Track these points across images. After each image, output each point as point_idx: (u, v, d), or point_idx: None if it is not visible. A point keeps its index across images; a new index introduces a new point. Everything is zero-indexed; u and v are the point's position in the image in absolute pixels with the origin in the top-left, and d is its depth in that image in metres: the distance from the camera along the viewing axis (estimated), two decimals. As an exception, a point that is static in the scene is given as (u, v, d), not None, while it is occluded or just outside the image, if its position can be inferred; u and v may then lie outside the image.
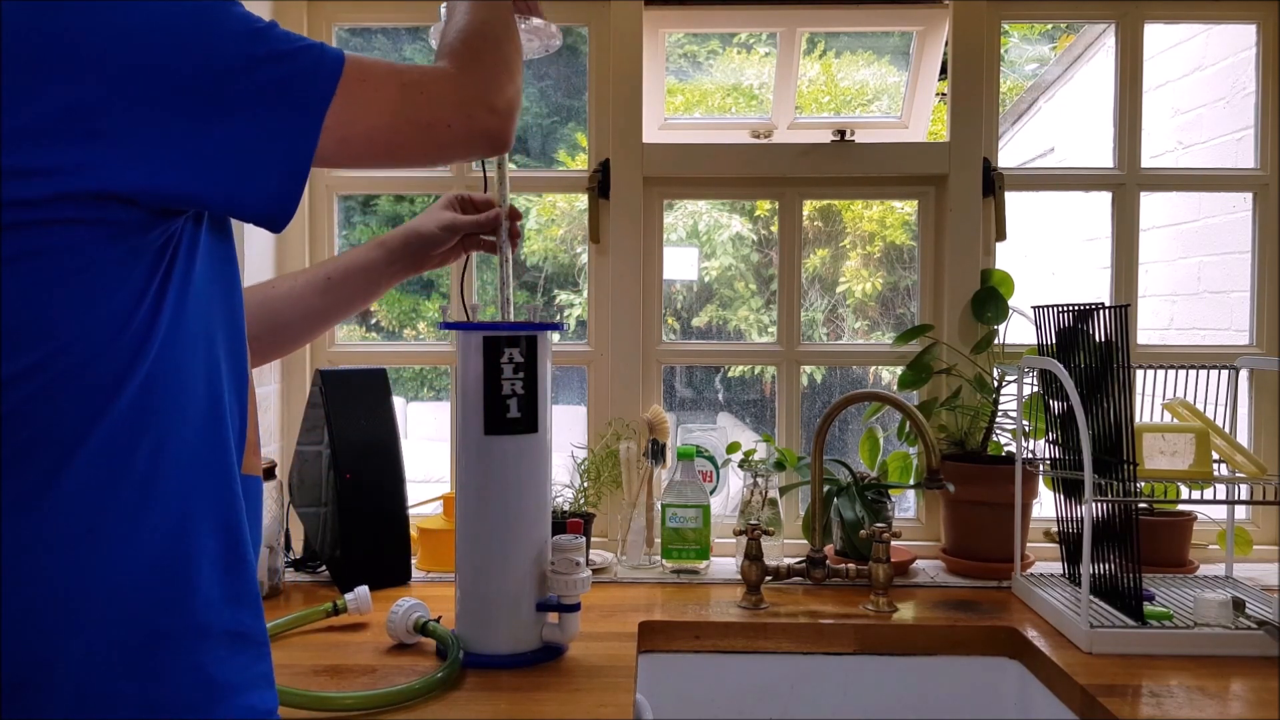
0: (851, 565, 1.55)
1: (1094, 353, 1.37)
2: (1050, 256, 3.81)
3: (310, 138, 0.72)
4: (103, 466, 0.67)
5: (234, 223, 0.78)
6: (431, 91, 0.80)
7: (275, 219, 0.73)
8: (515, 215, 1.27)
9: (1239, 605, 1.33)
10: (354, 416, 1.56)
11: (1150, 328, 2.56)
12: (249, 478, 0.80)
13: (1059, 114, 4.05)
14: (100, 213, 0.65)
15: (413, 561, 1.62)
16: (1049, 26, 4.63)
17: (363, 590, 1.39)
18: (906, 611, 1.47)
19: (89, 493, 0.66)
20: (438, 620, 1.28)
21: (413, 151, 0.80)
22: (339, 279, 1.17)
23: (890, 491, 1.69)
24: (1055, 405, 1.49)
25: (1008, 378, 1.71)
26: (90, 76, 0.63)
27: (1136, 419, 1.37)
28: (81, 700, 0.66)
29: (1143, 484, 1.39)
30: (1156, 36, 2.62)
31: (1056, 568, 1.56)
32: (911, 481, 1.79)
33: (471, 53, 0.87)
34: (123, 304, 0.67)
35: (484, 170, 1.32)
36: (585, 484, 1.76)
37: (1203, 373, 1.58)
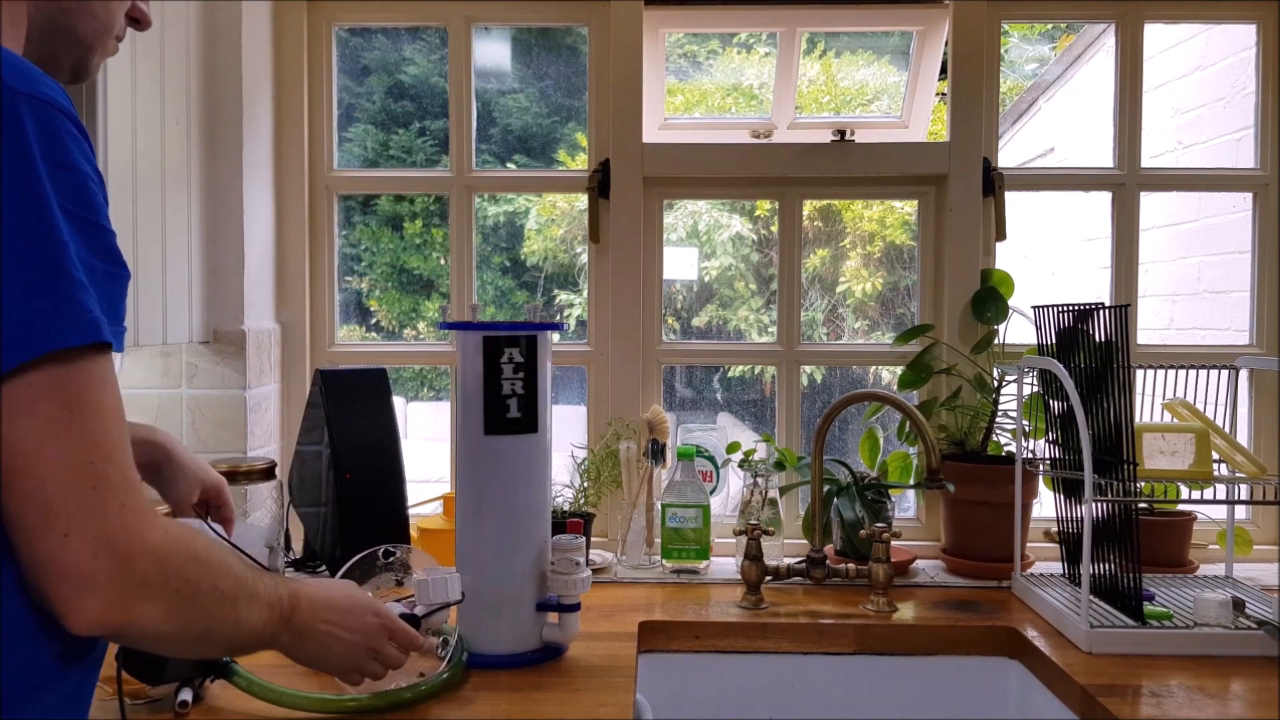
0: (851, 565, 1.55)
1: (1094, 353, 1.37)
2: (1050, 256, 3.81)
3: None
4: None
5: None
6: (99, 500, 0.64)
7: None
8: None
9: (1239, 605, 1.33)
10: (354, 416, 1.56)
11: (1150, 328, 2.56)
12: None
13: (1059, 114, 4.04)
14: None
15: (408, 561, 1.62)
16: (1049, 26, 4.63)
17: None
18: (906, 611, 1.47)
19: None
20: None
21: (13, 513, 0.63)
22: None
23: (890, 491, 1.69)
24: (1055, 405, 1.49)
25: (1008, 378, 1.71)
26: None
27: (1136, 419, 1.37)
28: None
29: (1143, 484, 1.39)
30: (1156, 36, 2.61)
31: (1056, 568, 1.56)
32: (911, 481, 1.79)
33: (183, 566, 0.69)
34: None
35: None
36: (585, 484, 1.76)
37: (1203, 373, 1.58)
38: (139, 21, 0.88)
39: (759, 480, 1.68)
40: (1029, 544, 1.67)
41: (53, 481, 0.63)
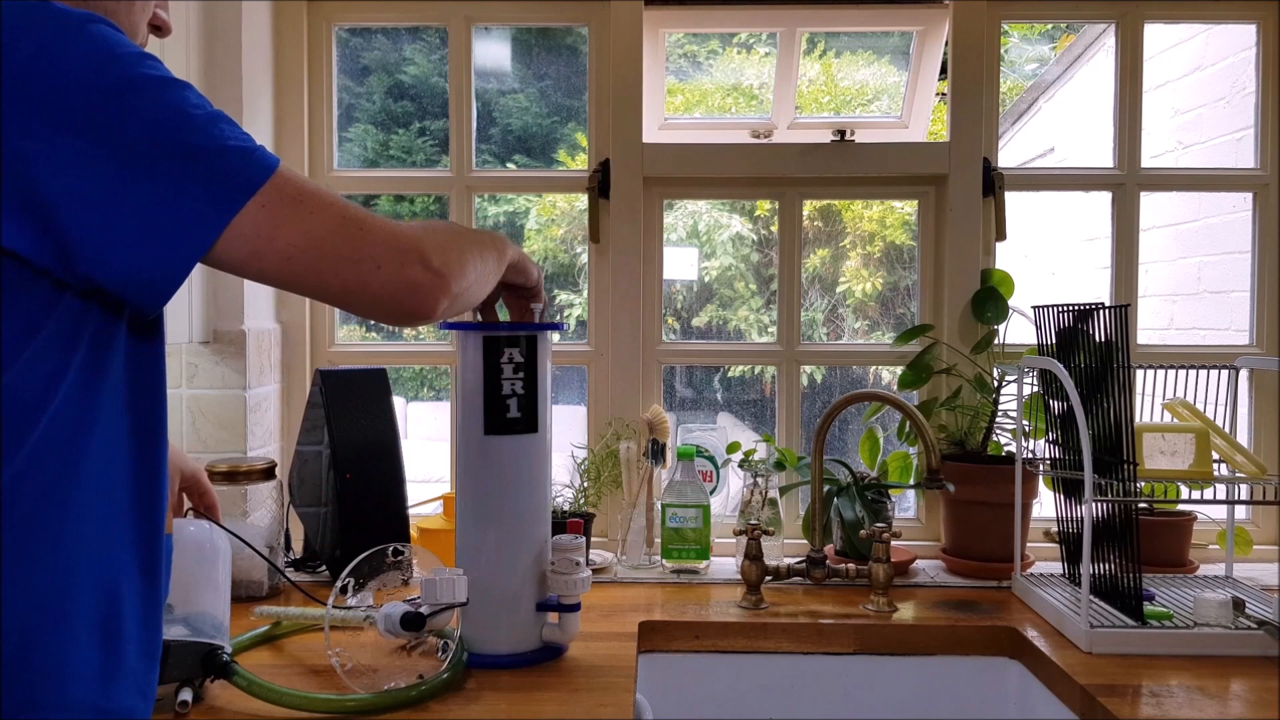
0: (851, 565, 1.55)
1: (1094, 353, 1.37)
2: (1050, 256, 3.81)
3: (203, 233, 0.71)
4: None
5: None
6: (373, 232, 0.77)
7: (144, 299, 0.72)
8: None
9: (1239, 605, 1.33)
10: (355, 416, 1.56)
11: (1150, 328, 2.56)
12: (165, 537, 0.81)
13: (1059, 114, 4.04)
14: None
15: (414, 561, 1.62)
16: (1049, 26, 4.63)
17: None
18: (906, 611, 1.47)
19: None
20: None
21: (331, 284, 0.77)
22: None
23: (890, 491, 1.69)
24: (1055, 405, 1.49)
25: (1008, 378, 1.71)
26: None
27: (1136, 419, 1.37)
28: None
29: (1143, 484, 1.39)
30: (1156, 36, 2.61)
31: (1056, 568, 1.56)
32: (911, 481, 1.79)
33: (443, 235, 0.85)
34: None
35: None
36: (585, 484, 1.76)
37: (1203, 373, 1.58)
38: (160, 29, 0.88)
39: (759, 480, 1.68)
40: (1029, 544, 1.67)
41: (342, 248, 0.75)
